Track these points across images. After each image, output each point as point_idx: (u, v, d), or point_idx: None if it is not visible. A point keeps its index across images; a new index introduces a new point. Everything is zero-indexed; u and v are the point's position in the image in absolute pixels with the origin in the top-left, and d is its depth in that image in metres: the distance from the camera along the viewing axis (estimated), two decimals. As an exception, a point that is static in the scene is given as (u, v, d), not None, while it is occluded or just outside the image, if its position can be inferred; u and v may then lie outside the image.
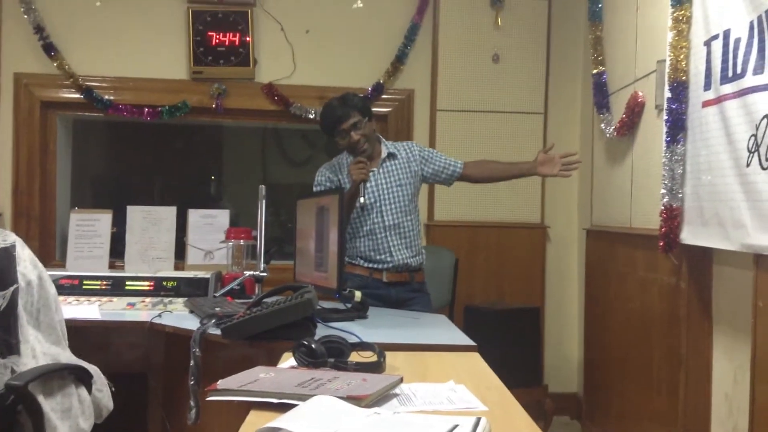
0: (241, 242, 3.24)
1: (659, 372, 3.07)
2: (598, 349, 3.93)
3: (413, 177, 3.13)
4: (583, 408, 4.19)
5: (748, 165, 2.27)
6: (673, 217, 2.78)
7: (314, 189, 3.15)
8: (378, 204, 3.06)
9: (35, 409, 1.80)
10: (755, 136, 2.22)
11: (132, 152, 4.80)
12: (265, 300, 2.21)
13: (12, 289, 1.85)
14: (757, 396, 2.31)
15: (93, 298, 2.96)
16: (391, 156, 3.12)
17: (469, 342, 2.16)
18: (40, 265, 2.02)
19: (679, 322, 2.87)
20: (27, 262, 1.95)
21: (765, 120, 2.17)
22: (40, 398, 1.87)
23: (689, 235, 2.72)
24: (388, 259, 3.05)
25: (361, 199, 2.93)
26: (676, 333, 2.89)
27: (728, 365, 2.71)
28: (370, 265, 3.07)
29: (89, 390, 2.03)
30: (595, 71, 3.80)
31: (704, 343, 2.83)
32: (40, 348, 1.93)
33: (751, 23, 2.27)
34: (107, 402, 2.11)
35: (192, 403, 2.11)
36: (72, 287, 3.06)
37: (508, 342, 3.77)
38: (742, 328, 2.52)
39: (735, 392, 2.63)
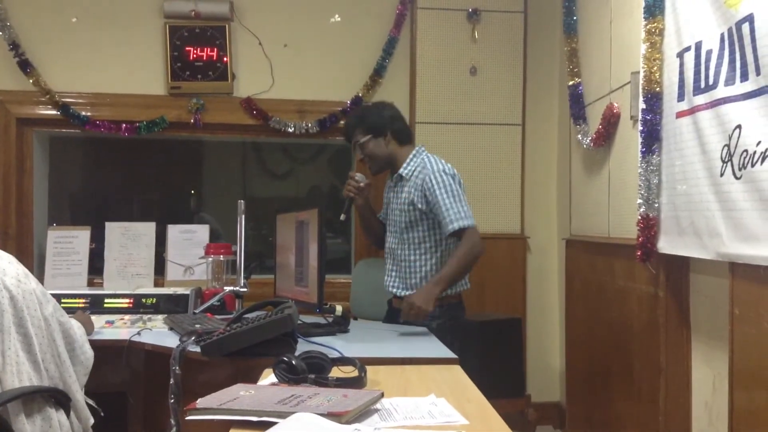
0: (221, 257, 3.23)
1: (640, 380, 3.09)
2: (580, 358, 3.95)
3: (410, 207, 2.89)
4: (566, 417, 4.20)
5: (721, 174, 2.30)
6: (649, 226, 2.81)
7: None
8: (387, 224, 3.06)
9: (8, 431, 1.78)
10: (728, 146, 2.26)
11: (110, 168, 4.76)
12: (245, 316, 2.21)
13: None
14: (736, 403, 2.33)
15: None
16: (401, 178, 2.96)
17: (450, 355, 2.16)
18: (30, 283, 2.00)
19: (658, 330, 2.89)
20: (11, 277, 1.93)
21: (737, 130, 2.21)
22: (21, 418, 1.85)
23: (666, 245, 2.75)
24: (387, 283, 3.01)
25: (342, 216, 2.91)
26: (655, 341, 2.91)
27: (707, 373, 2.74)
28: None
29: (67, 414, 2.01)
30: (571, 83, 3.84)
31: (683, 351, 2.86)
32: (26, 365, 1.91)
33: (722, 35, 2.31)
34: (86, 420, 2.10)
35: (172, 421, 2.10)
36: (50, 306, 3.03)
37: (491, 353, 3.78)
38: (720, 335, 2.55)
39: (714, 400, 2.66)
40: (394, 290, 2.96)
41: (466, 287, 2.98)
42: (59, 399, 2.00)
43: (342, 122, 4.12)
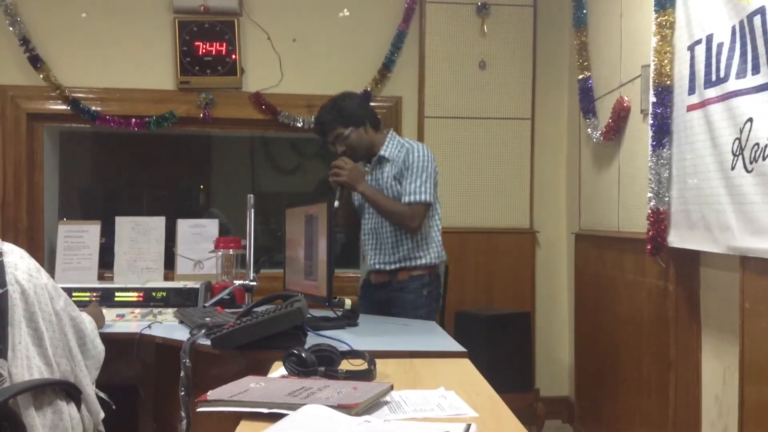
0: (231, 252, 3.23)
1: (649, 374, 3.08)
2: (589, 352, 3.94)
3: (393, 182, 3.00)
4: (575, 411, 4.20)
5: (732, 168, 2.29)
6: (659, 220, 2.80)
7: None
8: (364, 208, 3.11)
9: (18, 425, 1.79)
10: (739, 139, 2.25)
11: (120, 163, 4.79)
12: (255, 309, 2.21)
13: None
14: (746, 397, 2.32)
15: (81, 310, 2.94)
16: (382, 159, 3.05)
17: (459, 348, 2.16)
18: (42, 277, 2.01)
19: (668, 324, 2.89)
20: (22, 272, 1.94)
21: (748, 123, 2.20)
22: (31, 412, 1.86)
23: (676, 239, 2.74)
24: (369, 262, 3.10)
25: (336, 203, 2.90)
26: (665, 335, 2.90)
27: (717, 367, 2.73)
28: (363, 269, 3.15)
29: (78, 407, 2.02)
30: (581, 76, 3.83)
31: (693, 345, 2.85)
32: (36, 359, 1.92)
33: (733, 28, 2.30)
34: (96, 414, 2.10)
35: (183, 414, 2.11)
36: (61, 299, 3.04)
37: (500, 347, 3.78)
38: (730, 329, 2.54)
39: (724, 393, 2.65)
40: (383, 266, 3.04)
41: (445, 259, 3.18)
42: (70, 392, 2.01)
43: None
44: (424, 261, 3.03)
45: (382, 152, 3.05)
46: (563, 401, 4.37)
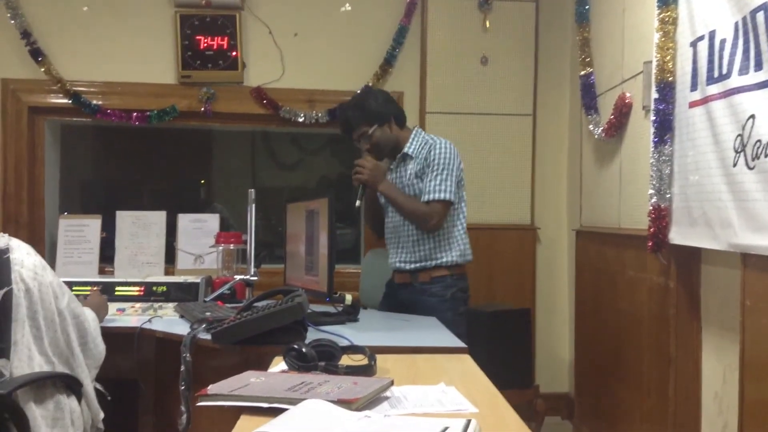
0: (231, 246, 3.24)
1: (649, 371, 3.08)
2: (589, 349, 3.94)
3: (416, 180, 2.99)
4: (574, 408, 4.20)
5: (734, 165, 2.29)
6: (661, 217, 2.80)
7: None
8: (387, 206, 3.10)
9: (21, 417, 1.79)
10: (741, 136, 2.24)
11: (121, 157, 4.78)
12: (255, 304, 2.22)
13: (3, 292, 1.85)
14: (747, 394, 2.32)
15: (82, 304, 2.94)
16: (406, 156, 3.04)
17: (460, 344, 2.16)
18: (47, 275, 2.00)
19: (668, 321, 2.88)
20: (29, 269, 1.94)
21: (751, 120, 2.19)
22: (31, 405, 1.87)
23: (677, 235, 2.74)
24: (390, 260, 3.10)
25: (357, 202, 2.91)
26: (665, 332, 2.90)
27: (717, 364, 2.73)
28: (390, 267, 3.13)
29: (79, 400, 2.03)
30: (582, 72, 3.82)
31: (693, 342, 2.85)
32: (38, 357, 1.92)
33: (736, 24, 2.29)
34: (96, 413, 2.11)
35: (183, 408, 2.11)
36: (61, 293, 3.04)
37: (500, 343, 3.78)
38: (731, 327, 2.53)
39: (724, 391, 2.65)
40: (403, 265, 3.02)
41: (471, 259, 3.11)
42: (71, 385, 2.02)
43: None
44: (445, 260, 2.99)
45: (406, 149, 3.03)
46: (563, 398, 4.38)
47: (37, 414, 1.88)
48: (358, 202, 2.90)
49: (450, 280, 3.00)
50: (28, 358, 1.90)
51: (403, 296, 3.06)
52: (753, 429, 2.28)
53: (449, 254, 3.01)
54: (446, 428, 1.19)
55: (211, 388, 1.47)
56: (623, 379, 3.39)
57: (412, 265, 3.00)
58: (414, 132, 3.08)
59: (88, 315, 2.18)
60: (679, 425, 2.85)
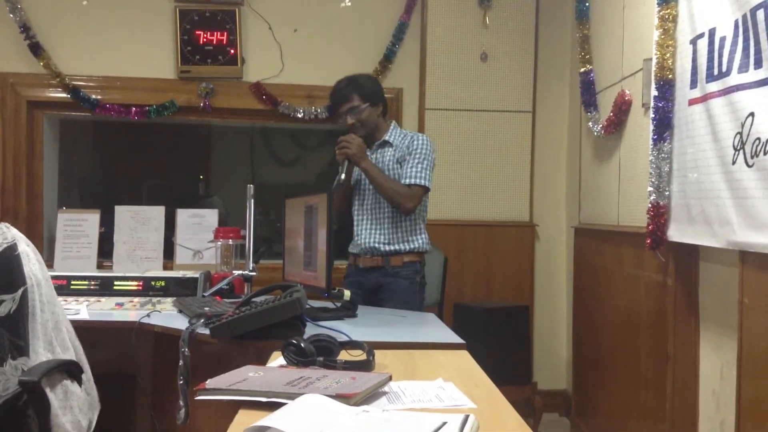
0: (230, 242, 3.23)
1: (647, 368, 3.09)
2: (587, 346, 3.95)
3: (396, 165, 3.08)
4: (572, 405, 4.21)
5: (733, 162, 2.29)
6: (659, 214, 2.80)
7: None
8: (360, 187, 3.13)
9: (44, 405, 1.82)
10: (740, 133, 2.24)
11: (120, 152, 4.78)
12: (254, 299, 2.21)
13: (21, 290, 1.85)
14: (744, 391, 2.33)
15: (81, 298, 2.95)
16: (385, 143, 3.12)
17: (458, 340, 2.16)
18: (46, 271, 2.02)
19: (666, 318, 2.89)
20: (34, 259, 1.95)
21: (750, 118, 2.19)
22: (47, 391, 1.89)
23: (676, 233, 2.74)
24: (360, 240, 3.12)
25: (342, 176, 2.95)
26: (663, 330, 2.91)
27: (715, 361, 2.73)
28: (353, 249, 3.17)
29: (80, 385, 2.06)
30: (582, 70, 3.82)
31: (691, 339, 2.85)
32: (42, 346, 1.94)
33: (736, 22, 2.29)
34: (95, 399, 2.13)
35: (181, 403, 2.11)
36: (60, 287, 3.03)
37: (498, 340, 3.78)
38: (729, 324, 2.54)
39: (722, 388, 2.65)
40: (378, 245, 3.07)
41: (430, 249, 3.22)
42: (72, 371, 2.04)
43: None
44: (417, 245, 3.11)
45: (386, 137, 3.12)
46: (561, 394, 4.38)
47: (52, 399, 1.91)
48: (342, 176, 2.93)
49: (418, 266, 3.12)
50: (43, 353, 1.92)
51: (370, 279, 3.09)
52: (750, 426, 2.29)
53: (419, 240, 3.13)
54: (444, 423, 1.20)
55: (210, 383, 1.47)
56: (621, 376, 3.40)
57: (388, 247, 3.06)
58: (393, 124, 3.19)
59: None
60: (676, 422, 2.86)
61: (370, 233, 3.10)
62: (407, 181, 3.01)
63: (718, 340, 2.72)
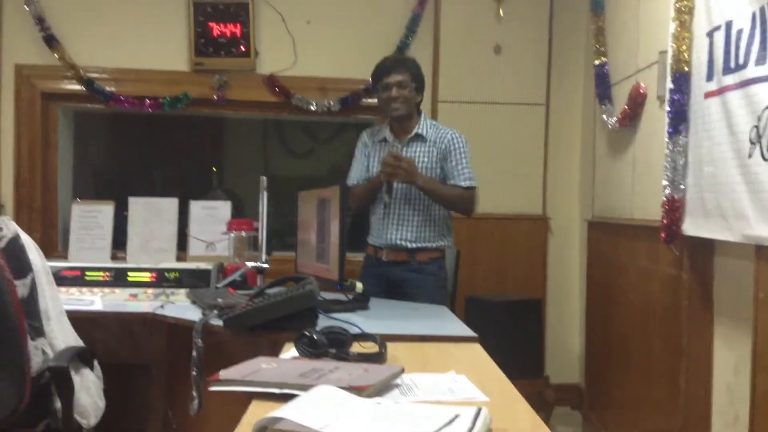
0: (243, 233, 3.24)
1: (660, 362, 3.07)
2: (600, 340, 3.93)
3: (433, 165, 3.08)
4: (584, 398, 4.20)
5: (750, 156, 2.27)
6: (674, 208, 2.78)
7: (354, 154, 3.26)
8: (393, 184, 3.08)
9: (69, 387, 1.91)
10: (757, 127, 2.22)
11: (133, 144, 4.80)
12: (266, 291, 2.22)
13: (31, 276, 1.93)
14: (758, 386, 2.31)
15: (95, 289, 2.97)
16: (418, 137, 3.10)
17: (470, 333, 2.16)
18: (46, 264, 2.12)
19: (680, 312, 2.87)
20: (33, 249, 2.04)
21: (767, 111, 2.17)
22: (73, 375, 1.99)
23: (691, 227, 2.72)
24: (384, 236, 3.10)
25: (386, 197, 2.98)
26: (677, 324, 2.89)
27: (729, 356, 2.72)
28: (374, 242, 3.16)
29: (92, 370, 2.14)
30: (597, 62, 3.79)
31: (705, 333, 2.83)
32: (56, 329, 2.03)
33: (754, 14, 2.26)
34: (99, 385, 2.20)
35: (194, 393, 2.12)
36: (74, 278, 3.07)
37: (510, 333, 3.78)
38: (743, 319, 2.52)
39: (736, 382, 2.64)
40: (403, 243, 3.06)
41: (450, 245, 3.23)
42: (84, 356, 2.10)
43: (364, 100, 4.12)
44: (443, 243, 3.12)
45: (419, 130, 3.10)
46: (573, 388, 4.37)
47: (76, 382, 2.00)
48: (386, 197, 2.94)
49: (442, 262, 3.15)
50: (61, 332, 2.03)
51: (394, 273, 3.09)
52: (764, 421, 2.27)
53: (447, 239, 3.15)
54: (457, 416, 1.19)
55: (223, 374, 1.48)
56: (634, 370, 3.38)
57: (414, 245, 3.06)
58: (423, 115, 3.18)
59: None
60: (689, 416, 2.85)
61: (397, 230, 3.08)
62: (464, 183, 3.05)
63: (732, 334, 2.70)
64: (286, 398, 1.32)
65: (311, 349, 1.68)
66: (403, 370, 1.55)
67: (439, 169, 3.09)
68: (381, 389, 1.42)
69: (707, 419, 2.83)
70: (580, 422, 4.18)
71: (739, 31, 2.36)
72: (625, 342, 3.50)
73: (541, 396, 3.94)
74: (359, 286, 2.54)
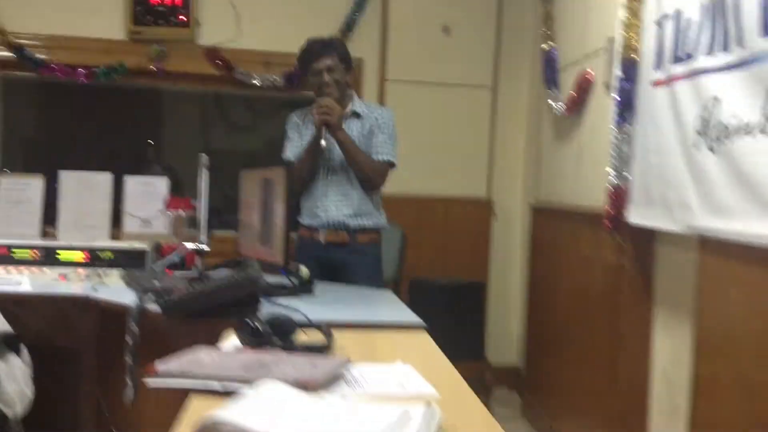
0: (182, 212, 3.13)
1: (599, 348, 3.11)
2: (541, 324, 3.97)
3: (367, 141, 3.03)
4: (523, 381, 4.24)
5: (696, 147, 2.28)
6: (619, 196, 2.79)
7: (286, 134, 3.14)
8: (326, 157, 3.01)
9: None
10: (704, 118, 2.23)
11: (66, 115, 4.58)
12: (207, 274, 2.14)
13: None
14: (699, 374, 2.35)
15: (23, 268, 2.83)
16: (355, 114, 3.04)
17: (417, 320, 2.13)
18: None
19: (621, 300, 2.90)
20: None
21: (714, 102, 2.18)
22: None
23: (635, 216, 2.74)
24: (324, 213, 3.00)
25: (323, 142, 2.86)
26: (617, 311, 2.92)
27: (668, 344, 2.76)
28: (310, 222, 3.03)
29: (19, 356, 2.04)
30: (544, 47, 3.78)
31: (644, 321, 2.87)
32: None
33: (703, 4, 2.26)
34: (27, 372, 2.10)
35: (128, 381, 2.03)
36: (0, 257, 2.91)
37: (452, 316, 3.78)
38: (684, 308, 2.56)
39: (674, 370, 2.68)
40: (345, 219, 2.99)
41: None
42: (10, 342, 1.99)
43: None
44: (381, 221, 3.09)
45: (355, 108, 3.04)
46: (513, 371, 4.41)
47: (1, 370, 1.89)
48: (323, 142, 2.84)
49: (379, 244, 3.12)
50: None
51: (334, 256, 3.01)
52: (703, 407, 2.32)
53: (382, 217, 3.11)
54: (407, 414, 1.15)
55: (160, 365, 1.40)
56: (573, 354, 3.42)
57: (356, 221, 3.00)
58: (354, 94, 3.13)
59: None
60: (627, 401, 2.89)
61: (337, 207, 3.00)
62: (380, 157, 2.99)
63: (671, 323, 2.74)
64: (228, 392, 1.26)
65: (254, 338, 1.61)
66: (350, 361, 1.50)
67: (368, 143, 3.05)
68: (328, 383, 1.37)
69: (645, 403, 2.88)
70: (519, 404, 4.23)
71: (689, 21, 2.36)
72: (565, 327, 3.53)
73: (481, 378, 3.96)
74: (304, 270, 2.47)
